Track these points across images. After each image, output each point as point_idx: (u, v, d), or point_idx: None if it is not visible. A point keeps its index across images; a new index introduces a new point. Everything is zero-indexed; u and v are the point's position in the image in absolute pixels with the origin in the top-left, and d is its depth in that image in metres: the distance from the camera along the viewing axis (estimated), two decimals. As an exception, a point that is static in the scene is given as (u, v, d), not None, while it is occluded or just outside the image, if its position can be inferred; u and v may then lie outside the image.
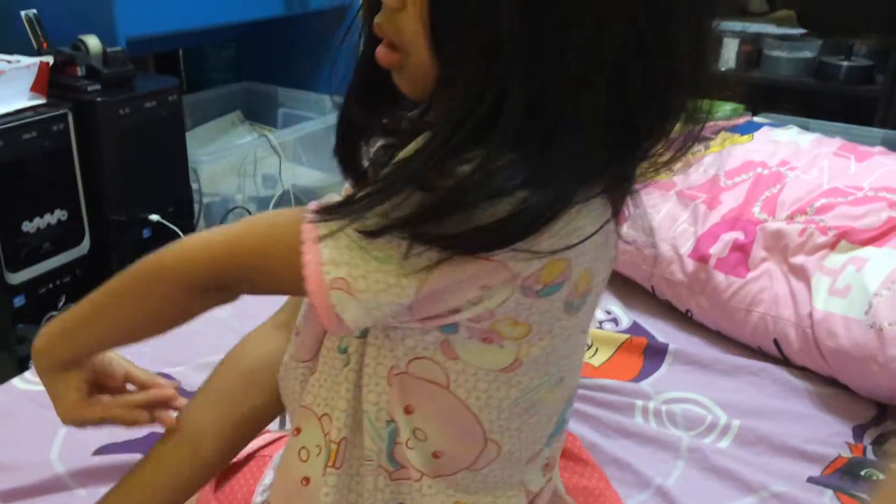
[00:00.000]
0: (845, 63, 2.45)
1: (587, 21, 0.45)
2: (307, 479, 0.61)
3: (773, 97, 2.53)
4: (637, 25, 0.46)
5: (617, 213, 0.55)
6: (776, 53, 2.53)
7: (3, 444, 1.04)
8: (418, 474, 0.58)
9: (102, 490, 0.81)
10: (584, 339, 0.61)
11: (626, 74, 0.47)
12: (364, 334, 0.57)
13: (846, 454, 1.05)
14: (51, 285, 1.65)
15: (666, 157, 0.53)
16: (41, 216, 1.60)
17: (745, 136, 1.50)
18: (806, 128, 2.21)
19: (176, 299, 0.57)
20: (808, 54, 2.51)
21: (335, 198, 0.51)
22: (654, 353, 1.27)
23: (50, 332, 0.65)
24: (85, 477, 0.98)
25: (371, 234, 0.47)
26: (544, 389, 0.58)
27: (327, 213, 0.49)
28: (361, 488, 0.60)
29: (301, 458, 0.61)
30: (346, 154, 0.59)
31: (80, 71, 1.66)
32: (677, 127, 0.52)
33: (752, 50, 2.56)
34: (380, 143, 0.58)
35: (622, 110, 0.48)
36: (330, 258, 0.48)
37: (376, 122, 0.59)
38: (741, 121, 1.61)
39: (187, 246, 0.56)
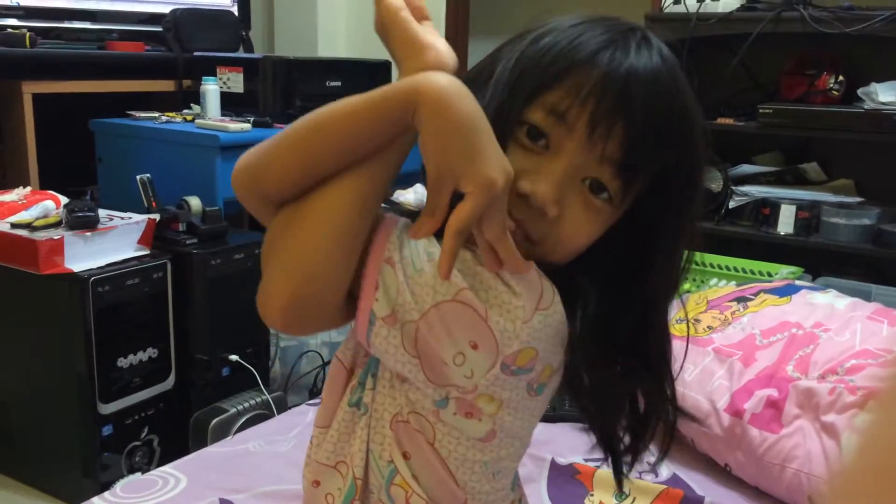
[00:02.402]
0: (904, 231, 2.49)
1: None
2: None
3: (834, 262, 2.59)
4: None
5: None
6: (834, 220, 2.60)
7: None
8: (422, 502, 0.68)
9: None
10: (536, 422, 0.72)
11: None
12: (374, 385, 0.68)
13: None
14: (136, 417, 1.81)
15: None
16: (135, 353, 1.79)
17: (784, 298, 1.57)
18: (868, 293, 2.25)
19: None
20: (866, 221, 2.57)
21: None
22: (691, 506, 1.30)
23: None
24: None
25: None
26: (509, 459, 0.70)
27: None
28: None
29: (328, 502, 0.72)
30: None
31: (181, 227, 1.90)
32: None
33: (810, 216, 2.64)
34: None
35: None
36: (396, 242, 0.61)
37: None
38: (781, 284, 1.69)
39: None
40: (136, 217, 1.86)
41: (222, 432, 1.76)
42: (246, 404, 1.83)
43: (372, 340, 0.63)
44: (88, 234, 1.73)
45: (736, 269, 2.55)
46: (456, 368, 0.62)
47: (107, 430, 1.76)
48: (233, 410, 1.81)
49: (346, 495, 0.70)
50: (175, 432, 1.86)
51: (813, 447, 1.26)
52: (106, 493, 1.32)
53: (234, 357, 1.94)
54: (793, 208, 2.64)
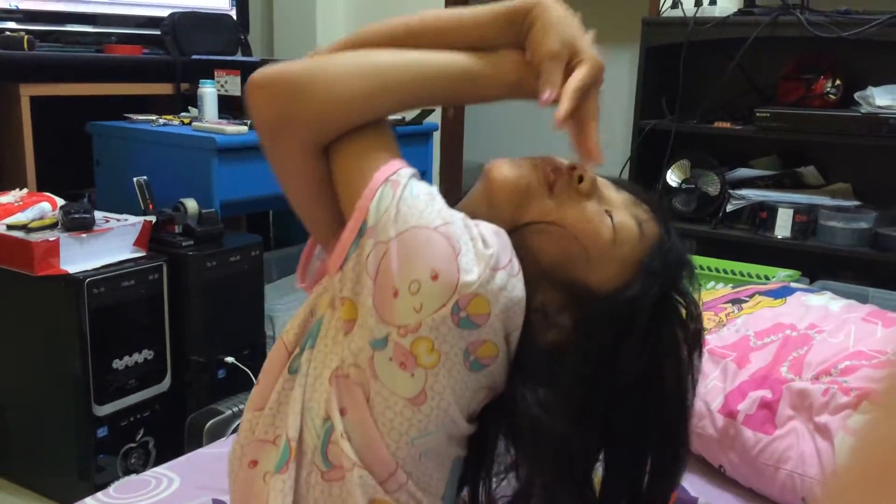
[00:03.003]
0: (901, 234, 2.49)
1: None
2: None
3: (831, 266, 2.59)
4: None
5: None
6: (831, 223, 2.60)
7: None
8: (350, 463, 0.66)
9: None
10: (468, 408, 0.70)
11: None
12: (314, 344, 0.69)
13: None
14: (132, 418, 1.81)
15: None
16: (130, 355, 1.79)
17: (778, 300, 1.57)
18: (865, 297, 2.25)
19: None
20: (863, 225, 2.57)
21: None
22: (685, 507, 1.30)
23: None
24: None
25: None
26: (437, 438, 0.68)
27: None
28: (301, 488, 0.69)
29: (265, 482, 0.70)
30: None
31: (177, 229, 1.90)
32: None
33: (808, 220, 2.64)
34: None
35: None
36: (407, 174, 0.67)
37: None
38: (776, 286, 1.69)
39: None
40: (133, 219, 1.86)
41: (218, 434, 1.76)
42: (242, 406, 1.83)
43: (351, 255, 0.65)
44: (84, 235, 1.74)
45: (732, 273, 2.55)
46: (406, 299, 0.62)
47: (102, 432, 1.76)
48: (228, 412, 1.81)
49: (278, 461, 0.69)
50: (171, 434, 1.86)
51: (806, 448, 1.25)
52: (99, 494, 1.31)
53: (229, 359, 1.94)
54: (790, 212, 2.65)
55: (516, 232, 0.69)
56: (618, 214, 0.74)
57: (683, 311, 0.75)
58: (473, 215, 0.69)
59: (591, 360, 0.71)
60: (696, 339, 0.77)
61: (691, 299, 0.76)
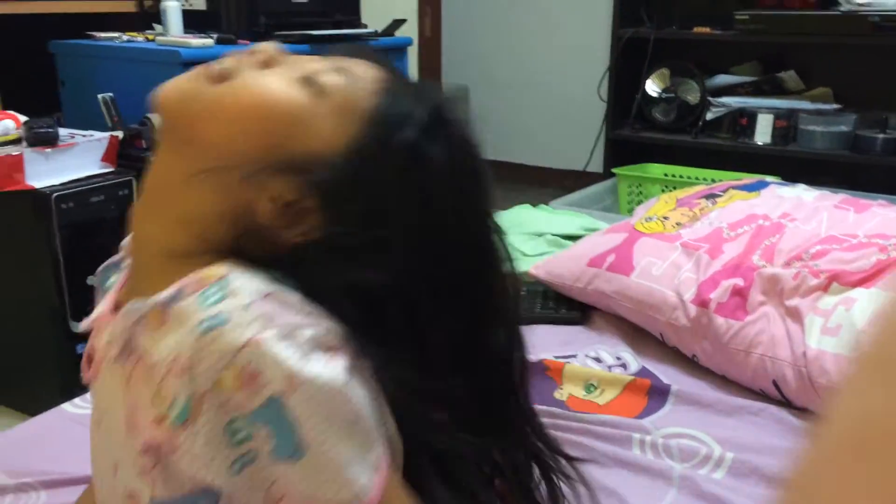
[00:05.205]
0: (881, 135, 2.48)
1: None
2: None
3: (811, 170, 2.58)
4: None
5: None
6: (811, 128, 2.58)
7: (49, 461, 1.15)
8: None
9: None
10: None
11: None
12: None
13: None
14: (111, 335, 1.80)
15: None
16: (104, 271, 1.77)
17: (752, 193, 1.56)
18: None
19: None
20: (843, 128, 2.56)
21: None
22: (658, 394, 1.31)
23: None
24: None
25: None
26: None
27: None
28: None
29: None
30: None
31: (144, 144, 1.86)
32: None
33: (788, 125, 2.62)
34: None
35: None
36: None
37: None
38: (751, 181, 1.68)
39: None
40: (98, 134, 1.82)
41: (197, 347, 1.76)
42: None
43: None
44: (49, 150, 1.70)
45: (713, 181, 2.54)
46: None
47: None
48: (207, 326, 1.80)
49: None
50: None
51: (777, 331, 1.26)
52: (76, 399, 1.32)
53: (206, 275, 1.93)
54: (770, 117, 2.63)
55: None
56: (310, 71, 0.63)
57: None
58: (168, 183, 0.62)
59: (355, 235, 0.60)
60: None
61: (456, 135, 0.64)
